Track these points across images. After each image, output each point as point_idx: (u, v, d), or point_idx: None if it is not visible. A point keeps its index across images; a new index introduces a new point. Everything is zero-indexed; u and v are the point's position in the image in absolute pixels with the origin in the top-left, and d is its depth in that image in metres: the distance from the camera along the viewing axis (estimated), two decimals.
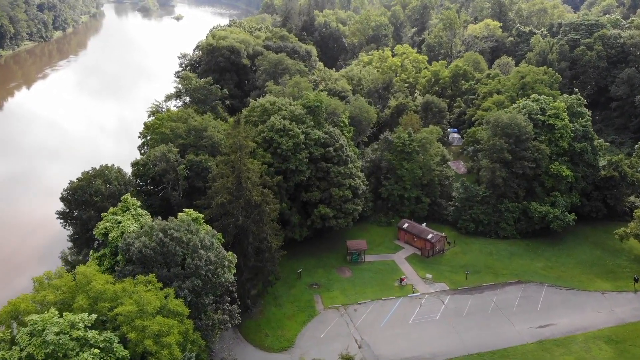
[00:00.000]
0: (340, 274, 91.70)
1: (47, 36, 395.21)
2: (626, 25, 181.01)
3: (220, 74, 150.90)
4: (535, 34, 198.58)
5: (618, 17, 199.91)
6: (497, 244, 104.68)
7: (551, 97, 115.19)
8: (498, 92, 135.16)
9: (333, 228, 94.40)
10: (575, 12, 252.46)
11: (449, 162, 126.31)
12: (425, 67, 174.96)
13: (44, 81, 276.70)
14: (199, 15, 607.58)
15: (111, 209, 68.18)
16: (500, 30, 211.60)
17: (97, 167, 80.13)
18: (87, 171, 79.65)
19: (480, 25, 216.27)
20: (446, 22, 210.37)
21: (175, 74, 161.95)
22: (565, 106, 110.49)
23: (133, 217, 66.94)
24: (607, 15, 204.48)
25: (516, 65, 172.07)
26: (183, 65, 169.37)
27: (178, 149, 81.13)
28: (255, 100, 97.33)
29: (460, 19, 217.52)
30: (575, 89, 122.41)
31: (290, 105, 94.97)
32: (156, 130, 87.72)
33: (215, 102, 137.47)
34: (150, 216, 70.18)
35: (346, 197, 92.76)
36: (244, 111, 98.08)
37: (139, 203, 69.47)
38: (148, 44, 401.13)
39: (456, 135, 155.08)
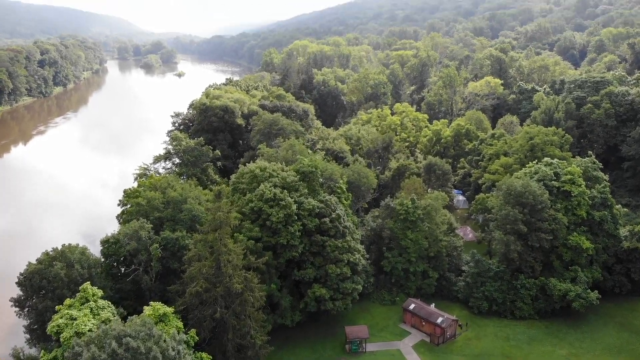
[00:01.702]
0: None
1: (47, 92, 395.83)
2: (632, 82, 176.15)
3: (213, 133, 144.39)
4: (537, 91, 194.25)
5: (622, 73, 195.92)
6: (513, 326, 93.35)
7: (564, 161, 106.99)
8: (505, 154, 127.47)
9: (330, 311, 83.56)
10: (576, 69, 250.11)
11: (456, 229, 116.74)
12: (426, 126, 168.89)
13: (38, 138, 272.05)
14: (201, 72, 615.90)
15: (67, 301, 58.33)
16: (502, 87, 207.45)
17: (59, 247, 70.63)
18: (47, 251, 70.13)
19: (481, 82, 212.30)
20: (446, 79, 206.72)
21: (167, 133, 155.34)
22: (581, 171, 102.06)
23: (92, 311, 56.89)
24: (611, 72, 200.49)
25: (521, 123, 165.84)
26: (176, 125, 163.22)
27: (152, 225, 71.94)
28: (245, 165, 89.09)
29: (460, 76, 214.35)
30: (590, 152, 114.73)
31: (283, 171, 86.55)
32: (133, 201, 78.85)
33: (206, 164, 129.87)
34: (113, 308, 60.07)
35: (344, 275, 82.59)
36: (232, 177, 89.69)
37: (100, 293, 59.64)
38: (148, 100, 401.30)
39: (461, 198, 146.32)
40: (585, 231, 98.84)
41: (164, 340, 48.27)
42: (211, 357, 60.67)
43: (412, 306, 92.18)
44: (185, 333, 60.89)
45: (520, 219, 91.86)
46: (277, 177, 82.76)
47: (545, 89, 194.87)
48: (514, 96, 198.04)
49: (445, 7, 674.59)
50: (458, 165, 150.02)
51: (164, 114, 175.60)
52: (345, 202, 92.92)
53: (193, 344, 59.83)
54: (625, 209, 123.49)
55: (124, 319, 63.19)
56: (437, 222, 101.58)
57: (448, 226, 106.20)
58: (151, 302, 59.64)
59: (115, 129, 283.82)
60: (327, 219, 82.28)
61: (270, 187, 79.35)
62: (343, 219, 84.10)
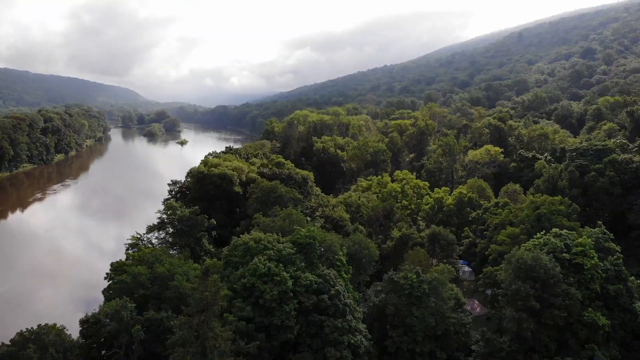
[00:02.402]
0: None
1: (48, 159, 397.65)
2: (635, 149, 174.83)
3: (209, 202, 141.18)
4: (539, 159, 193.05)
5: (624, 140, 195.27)
6: None
7: (574, 232, 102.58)
8: (511, 224, 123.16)
9: None
10: (575, 137, 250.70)
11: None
12: (427, 193, 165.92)
13: (35, 205, 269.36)
14: (204, 141, 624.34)
15: None
16: (502, 155, 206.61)
17: (34, 328, 64.97)
18: (22, 331, 64.36)
19: (481, 150, 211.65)
20: (445, 147, 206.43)
21: (163, 202, 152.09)
22: (592, 242, 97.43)
23: None
24: (612, 140, 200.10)
25: (524, 192, 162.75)
26: (173, 193, 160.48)
27: (136, 304, 66.60)
28: (240, 235, 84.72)
29: (459, 144, 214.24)
30: (599, 222, 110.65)
31: (279, 242, 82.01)
32: (118, 278, 73.89)
33: (201, 234, 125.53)
34: None
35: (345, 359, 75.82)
36: (224, 250, 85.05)
37: None
38: (149, 167, 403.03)
39: (467, 269, 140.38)
40: (601, 306, 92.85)
41: None
42: None
43: None
44: None
45: (532, 294, 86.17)
46: (272, 249, 78.13)
47: (546, 157, 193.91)
48: (515, 164, 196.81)
49: (441, 79, 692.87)
50: (462, 235, 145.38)
51: (163, 182, 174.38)
52: (345, 275, 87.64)
53: None
54: (638, 281, 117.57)
55: None
56: (444, 298, 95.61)
57: (455, 301, 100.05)
58: None
59: (114, 196, 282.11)
60: (325, 296, 76.74)
61: (264, 260, 74.56)
62: (343, 295, 78.58)
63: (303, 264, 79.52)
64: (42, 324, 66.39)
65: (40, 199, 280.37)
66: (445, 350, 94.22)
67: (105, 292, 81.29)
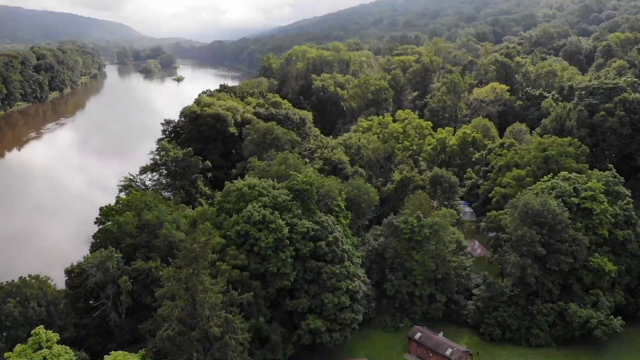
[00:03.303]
0: None
1: (42, 97, 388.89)
2: None
3: (204, 143, 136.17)
4: (546, 97, 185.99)
5: (634, 79, 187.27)
6: (529, 356, 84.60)
7: (583, 175, 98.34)
8: (517, 166, 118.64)
9: (326, 344, 74.82)
10: (583, 74, 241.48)
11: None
12: (430, 134, 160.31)
13: (31, 143, 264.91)
14: (200, 77, 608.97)
15: (18, 347, 50.09)
16: (508, 93, 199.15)
17: (15, 280, 62.15)
18: (2, 284, 61.48)
19: (486, 88, 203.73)
20: (450, 85, 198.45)
21: (157, 142, 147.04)
22: (602, 186, 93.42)
23: (46, 359, 48.28)
24: (622, 78, 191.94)
25: (530, 131, 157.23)
26: (167, 132, 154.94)
27: (123, 254, 63.41)
28: (237, 178, 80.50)
29: (464, 82, 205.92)
30: (610, 165, 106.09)
31: (274, 189, 77.91)
32: (101, 228, 70.25)
33: (196, 176, 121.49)
34: (72, 354, 51.45)
35: (342, 305, 73.84)
36: (217, 196, 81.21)
37: (55, 338, 51.12)
38: (145, 104, 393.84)
39: (468, 210, 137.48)
40: (608, 252, 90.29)
41: None
42: None
43: (418, 335, 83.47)
44: None
45: (537, 240, 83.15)
46: (267, 196, 74.14)
47: (554, 95, 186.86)
48: (521, 103, 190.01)
49: (446, 13, 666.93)
50: (465, 176, 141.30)
51: (160, 119, 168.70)
52: (343, 221, 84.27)
53: None
54: None
55: None
56: (445, 241, 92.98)
57: (457, 245, 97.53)
58: (112, 352, 51.01)
59: (111, 134, 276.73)
60: (323, 243, 73.61)
61: (259, 207, 70.72)
62: (341, 241, 75.46)
63: (299, 210, 75.87)
64: (27, 275, 63.65)
65: (36, 138, 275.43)
66: (445, 293, 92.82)
67: (95, 237, 77.74)
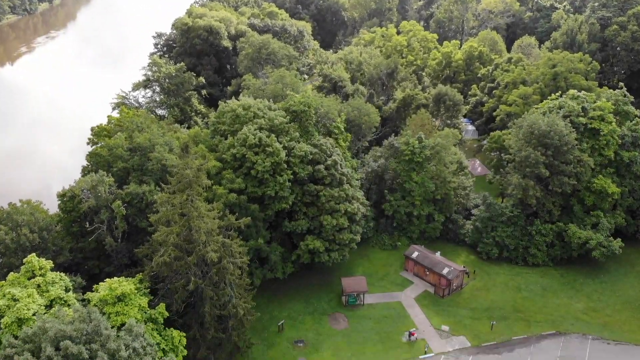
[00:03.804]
0: (333, 325, 73.14)
1: (32, 9, 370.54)
2: None
3: (197, 57, 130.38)
4: (557, 8, 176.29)
5: None
6: (525, 274, 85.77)
7: (592, 94, 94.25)
8: (524, 82, 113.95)
9: (325, 263, 75.43)
10: None
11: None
12: (435, 47, 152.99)
13: (25, 56, 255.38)
14: None
15: (11, 276, 49.57)
16: (517, 4, 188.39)
17: (5, 207, 60.69)
18: None
19: None
20: None
21: (149, 57, 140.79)
22: (612, 105, 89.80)
23: (40, 287, 48.02)
24: None
25: (539, 45, 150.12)
26: (159, 47, 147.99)
27: (115, 178, 61.50)
28: (226, 102, 76.86)
29: None
30: (621, 84, 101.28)
31: (270, 109, 74.53)
32: (91, 152, 67.63)
33: (190, 93, 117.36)
34: (67, 280, 51.22)
35: (341, 226, 73.40)
36: (212, 116, 78.02)
37: (49, 265, 50.53)
38: (142, 16, 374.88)
39: (470, 128, 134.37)
40: (612, 173, 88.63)
41: (114, 339, 39.70)
42: (183, 334, 52.86)
43: (415, 254, 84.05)
44: (154, 307, 52.69)
45: (542, 161, 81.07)
46: (263, 117, 70.92)
47: (565, 6, 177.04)
48: (531, 14, 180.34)
49: None
50: (469, 93, 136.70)
51: (153, 30, 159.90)
52: (342, 143, 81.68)
53: (162, 321, 51.82)
54: None
55: (83, 290, 54.95)
56: (446, 163, 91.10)
57: (457, 165, 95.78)
58: (106, 280, 50.62)
59: (104, 47, 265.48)
60: (321, 166, 71.59)
61: (254, 130, 67.82)
62: (340, 165, 73.40)
63: (297, 133, 73.00)
64: (18, 200, 62.17)
65: (28, 52, 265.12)
66: (444, 213, 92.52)
67: (87, 158, 75.06)
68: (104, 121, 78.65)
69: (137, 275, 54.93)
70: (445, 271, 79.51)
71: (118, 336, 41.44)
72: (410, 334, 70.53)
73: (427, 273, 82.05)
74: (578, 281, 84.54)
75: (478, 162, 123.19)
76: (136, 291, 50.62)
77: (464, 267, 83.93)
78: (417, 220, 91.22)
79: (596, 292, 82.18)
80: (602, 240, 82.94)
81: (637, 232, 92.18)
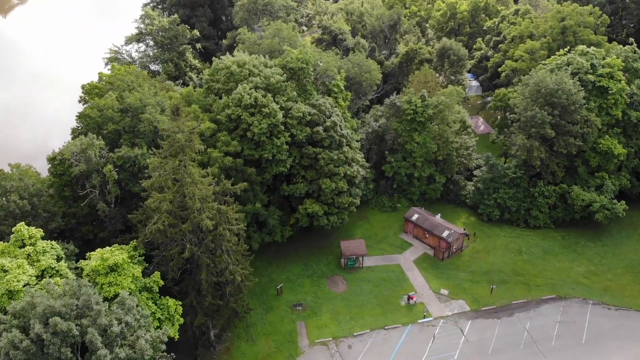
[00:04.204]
0: (332, 288, 72.68)
1: None
2: None
3: (191, 8, 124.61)
4: None
5: None
6: (526, 236, 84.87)
7: (601, 50, 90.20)
8: (531, 36, 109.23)
9: (324, 227, 74.17)
10: None
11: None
12: None
13: (14, 12, 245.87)
14: None
15: (0, 245, 47.72)
16: None
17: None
18: None
19: None
20: None
21: (142, 8, 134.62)
22: (622, 63, 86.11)
23: (30, 257, 46.58)
24: None
25: None
26: None
27: (106, 141, 58.98)
28: (219, 58, 73.16)
29: None
30: (631, 39, 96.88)
31: (266, 66, 71.03)
32: (80, 114, 64.57)
33: (184, 47, 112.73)
34: (58, 249, 49.80)
35: (340, 190, 71.63)
36: (205, 74, 74.61)
37: (39, 234, 48.91)
38: None
39: (474, 83, 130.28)
40: (619, 133, 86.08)
41: (106, 314, 38.51)
42: (179, 303, 52.01)
43: (415, 217, 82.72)
44: (149, 275, 51.57)
45: (548, 121, 78.35)
46: (258, 75, 67.53)
47: None
48: None
49: None
50: (474, 46, 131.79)
51: None
52: (342, 103, 78.54)
53: (157, 289, 50.80)
54: None
55: (76, 257, 53.64)
56: (449, 122, 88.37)
57: (461, 124, 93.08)
58: (98, 250, 49.11)
59: None
60: (320, 128, 68.90)
61: (250, 89, 64.65)
62: (339, 126, 70.72)
63: (295, 92, 69.83)
64: (7, 164, 59.89)
65: (21, 3, 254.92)
66: (445, 174, 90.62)
67: (78, 119, 72.06)
68: (88, 82, 75.07)
69: (132, 242, 53.53)
70: (445, 234, 78.42)
71: (110, 309, 40.37)
72: (409, 298, 70.15)
73: (427, 236, 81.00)
74: (579, 244, 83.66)
75: (481, 119, 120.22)
76: (130, 260, 49.35)
77: (464, 229, 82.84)
78: (418, 181, 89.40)
79: (598, 255, 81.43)
80: (606, 203, 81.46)
81: None
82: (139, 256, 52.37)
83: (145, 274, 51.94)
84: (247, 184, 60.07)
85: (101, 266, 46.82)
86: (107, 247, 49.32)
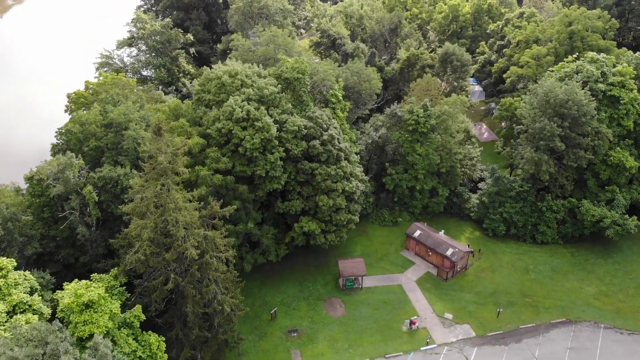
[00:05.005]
0: (329, 311, 68.64)
1: None
2: None
3: (185, 11, 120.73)
4: None
5: None
6: (533, 253, 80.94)
7: (612, 57, 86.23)
8: (536, 41, 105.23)
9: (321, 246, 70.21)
10: None
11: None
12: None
13: (12, 11, 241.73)
14: None
15: None
16: None
17: None
18: None
19: None
20: None
21: (136, 10, 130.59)
22: (634, 71, 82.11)
23: (0, 291, 42.61)
24: None
25: None
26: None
27: (87, 160, 54.93)
28: (210, 67, 69.10)
29: None
30: None
31: (260, 76, 66.92)
32: (62, 129, 60.53)
33: (177, 52, 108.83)
34: (32, 280, 45.84)
35: (338, 206, 67.61)
36: (195, 84, 70.54)
37: (11, 265, 44.95)
38: None
39: (477, 89, 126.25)
40: (630, 145, 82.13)
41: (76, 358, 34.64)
42: (163, 339, 48.03)
43: (417, 233, 78.72)
44: (130, 308, 47.56)
45: (558, 134, 74.32)
46: (251, 86, 63.44)
47: None
48: None
49: None
50: (477, 50, 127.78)
51: None
52: (340, 114, 74.42)
53: (139, 324, 46.82)
54: None
55: (52, 288, 49.67)
56: (453, 132, 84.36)
57: (465, 134, 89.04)
58: (72, 283, 45.07)
59: None
60: (317, 142, 64.78)
61: (242, 102, 60.55)
62: (337, 139, 66.64)
63: (290, 104, 65.65)
64: None
65: (18, 3, 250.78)
66: (448, 186, 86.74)
67: (58, 136, 67.11)
68: (74, 91, 71.02)
69: (113, 270, 49.55)
70: (449, 252, 74.42)
71: (82, 358, 36.43)
72: (412, 323, 66.16)
73: (430, 253, 77.05)
74: (589, 261, 79.73)
75: (485, 126, 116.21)
76: (109, 292, 45.35)
77: (468, 246, 78.91)
78: (420, 194, 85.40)
79: (608, 274, 77.46)
80: (617, 219, 77.56)
81: None
82: (120, 285, 48.43)
83: (127, 305, 47.98)
84: (239, 202, 56.08)
85: (75, 303, 42.83)
86: (83, 281, 45.23)
